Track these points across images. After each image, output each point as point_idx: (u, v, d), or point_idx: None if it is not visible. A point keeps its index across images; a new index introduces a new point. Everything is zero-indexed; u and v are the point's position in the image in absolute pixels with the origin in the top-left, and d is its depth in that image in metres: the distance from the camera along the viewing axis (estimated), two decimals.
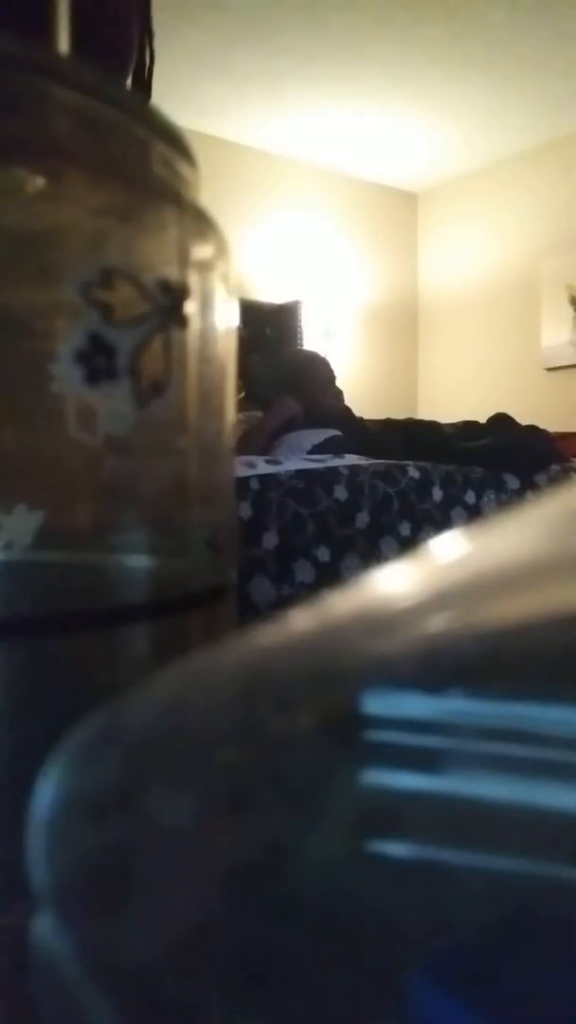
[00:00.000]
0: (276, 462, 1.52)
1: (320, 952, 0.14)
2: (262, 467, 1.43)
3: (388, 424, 2.17)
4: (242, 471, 1.38)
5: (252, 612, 1.23)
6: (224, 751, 0.17)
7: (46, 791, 0.18)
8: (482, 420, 2.14)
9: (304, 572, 1.35)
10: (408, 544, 1.51)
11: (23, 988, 0.18)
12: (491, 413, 2.16)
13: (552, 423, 2.40)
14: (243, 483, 1.34)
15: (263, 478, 1.38)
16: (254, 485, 1.36)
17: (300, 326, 4.13)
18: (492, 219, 4.58)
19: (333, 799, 0.15)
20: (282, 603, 1.29)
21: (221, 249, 0.34)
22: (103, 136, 0.32)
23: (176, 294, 0.31)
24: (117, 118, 0.32)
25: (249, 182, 4.17)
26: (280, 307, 4.11)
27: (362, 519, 1.47)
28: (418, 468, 1.62)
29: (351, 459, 1.63)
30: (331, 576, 1.37)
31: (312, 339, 4.18)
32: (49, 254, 0.32)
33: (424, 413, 4.37)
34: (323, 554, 1.38)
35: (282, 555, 1.33)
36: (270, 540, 1.33)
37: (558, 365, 4.25)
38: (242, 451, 1.83)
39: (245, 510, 1.32)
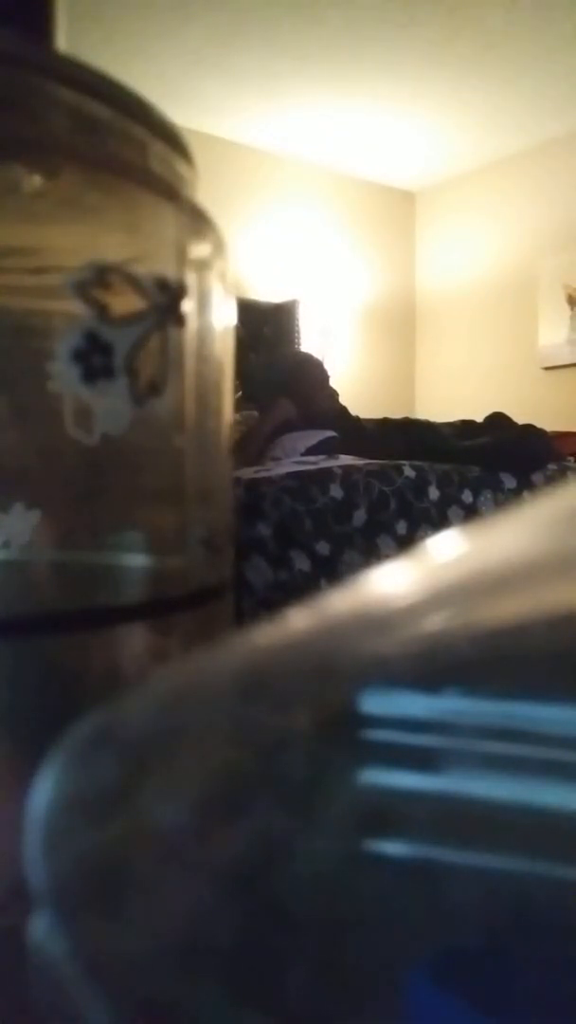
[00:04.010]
0: (266, 470, 1.52)
1: (318, 951, 0.14)
2: (251, 475, 1.44)
3: (385, 424, 2.17)
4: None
5: (250, 612, 1.23)
6: (221, 751, 0.17)
7: (43, 790, 0.18)
8: (479, 419, 2.14)
9: (302, 564, 1.35)
10: (405, 543, 1.51)
11: (22, 987, 0.18)
12: (488, 412, 2.16)
13: (549, 422, 2.40)
14: (235, 479, 1.35)
15: (255, 478, 1.38)
16: (245, 481, 1.36)
17: (297, 325, 4.13)
18: (490, 218, 4.58)
19: (331, 798, 0.15)
20: (280, 603, 1.29)
21: (218, 247, 0.34)
22: (101, 134, 0.32)
23: (173, 293, 0.31)
24: (115, 117, 0.32)
25: (246, 181, 4.16)
26: (278, 306, 4.10)
27: (359, 517, 1.47)
28: (414, 468, 1.62)
29: (345, 459, 1.63)
30: (328, 574, 1.37)
31: (309, 338, 4.18)
32: (46, 252, 0.31)
33: (421, 412, 4.37)
34: (323, 549, 1.38)
35: (279, 551, 1.33)
36: (267, 536, 1.33)
37: (555, 364, 4.25)
38: (238, 455, 1.83)
39: (240, 497, 1.32)
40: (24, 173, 0.30)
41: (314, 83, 3.63)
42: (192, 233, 0.33)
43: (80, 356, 0.29)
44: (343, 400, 2.44)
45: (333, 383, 2.45)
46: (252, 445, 2.04)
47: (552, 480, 1.86)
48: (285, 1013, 0.14)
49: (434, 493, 1.62)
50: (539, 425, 2.02)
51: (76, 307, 0.29)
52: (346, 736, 0.15)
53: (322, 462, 1.59)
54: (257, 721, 0.17)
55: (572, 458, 2.08)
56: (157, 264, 0.31)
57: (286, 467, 1.53)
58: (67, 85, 0.30)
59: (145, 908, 0.16)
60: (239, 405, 2.16)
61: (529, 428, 1.98)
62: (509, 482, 1.78)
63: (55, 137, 0.31)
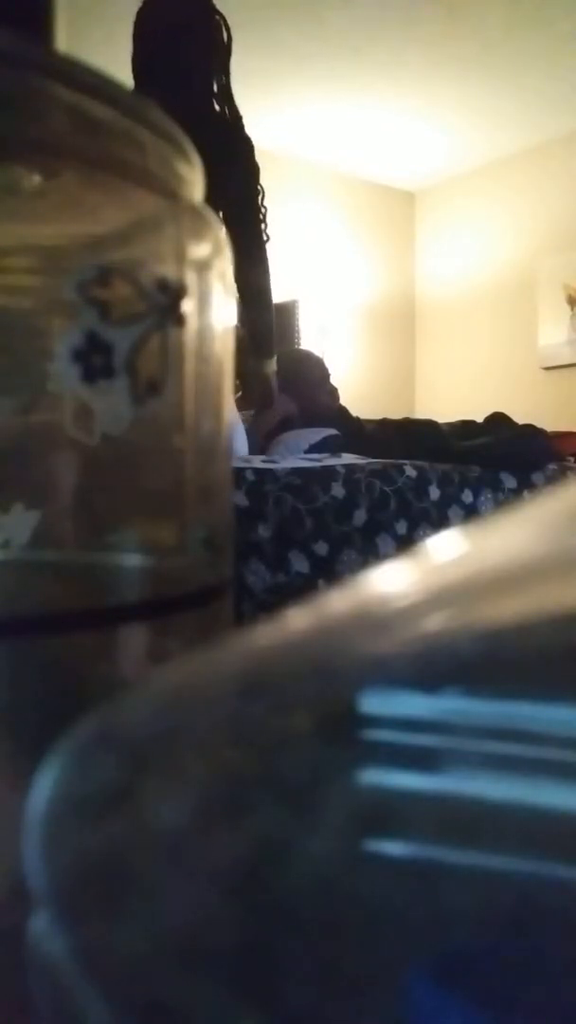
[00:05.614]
0: (272, 461, 1.52)
1: (318, 951, 0.14)
2: (257, 464, 1.43)
3: (385, 423, 2.17)
4: (238, 463, 1.39)
5: (249, 615, 1.23)
6: (221, 751, 0.17)
7: (42, 790, 0.18)
8: (479, 419, 2.14)
9: (300, 566, 1.35)
10: (404, 542, 1.51)
11: (22, 987, 0.18)
12: (488, 412, 2.15)
13: (549, 422, 2.40)
14: (239, 475, 1.35)
15: (259, 472, 1.38)
16: (250, 477, 1.36)
17: (297, 325, 4.13)
18: (490, 218, 4.58)
19: (330, 798, 0.15)
20: (278, 606, 1.29)
21: (218, 247, 0.34)
22: (101, 134, 0.32)
23: (173, 293, 0.31)
24: (115, 117, 0.32)
25: None
26: (278, 306, 4.10)
27: (359, 516, 1.47)
28: (415, 467, 1.62)
29: (348, 458, 1.63)
30: (327, 574, 1.37)
31: (309, 338, 4.18)
32: (46, 252, 0.31)
33: (421, 412, 4.37)
34: (321, 549, 1.38)
35: (278, 553, 1.33)
36: (266, 538, 1.33)
37: (555, 364, 4.25)
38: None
39: (240, 500, 1.32)
40: (24, 173, 0.30)
41: (314, 83, 3.63)
42: (192, 233, 0.33)
43: (80, 356, 0.29)
44: (343, 400, 2.44)
45: (333, 382, 2.45)
46: (252, 442, 2.04)
47: (552, 480, 1.86)
48: (285, 1013, 0.14)
49: (434, 493, 1.62)
50: (539, 425, 2.02)
51: (76, 307, 0.29)
52: (346, 736, 0.15)
53: (326, 459, 1.59)
54: (257, 721, 0.17)
55: (572, 458, 2.08)
56: (157, 264, 0.31)
57: (292, 461, 1.52)
58: (67, 85, 0.30)
59: (145, 908, 0.16)
60: (239, 405, 2.16)
61: (529, 428, 1.98)
62: (509, 482, 1.78)
63: (55, 137, 0.31)
